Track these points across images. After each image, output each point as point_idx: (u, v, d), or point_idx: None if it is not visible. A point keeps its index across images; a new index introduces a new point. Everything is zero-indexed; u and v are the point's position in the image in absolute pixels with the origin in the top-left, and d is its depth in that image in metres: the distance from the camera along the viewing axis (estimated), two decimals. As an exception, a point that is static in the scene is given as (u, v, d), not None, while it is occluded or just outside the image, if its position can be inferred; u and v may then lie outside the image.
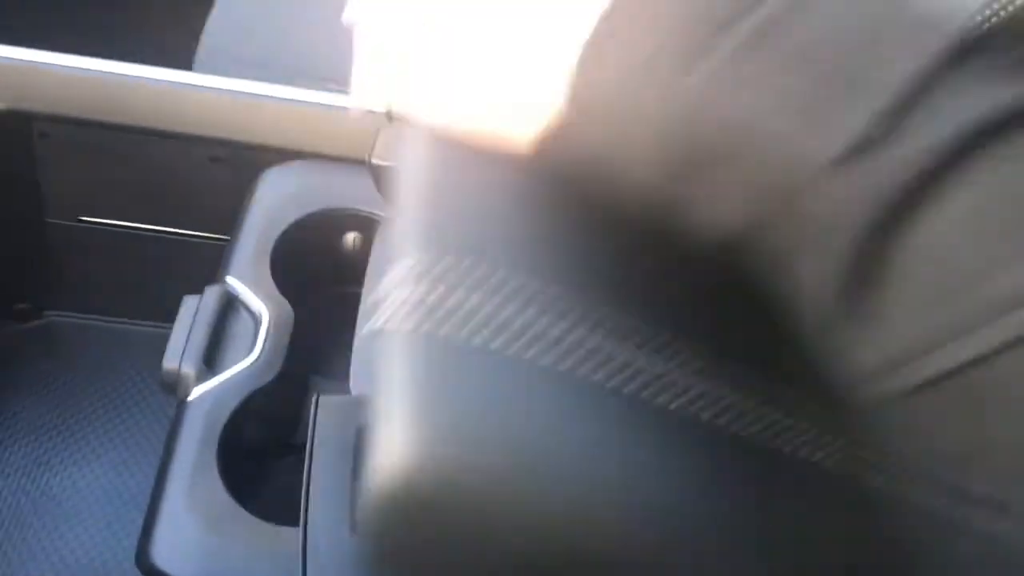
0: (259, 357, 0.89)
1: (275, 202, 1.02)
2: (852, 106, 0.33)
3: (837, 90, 0.34)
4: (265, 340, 0.91)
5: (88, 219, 1.22)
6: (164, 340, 1.37)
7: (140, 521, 1.22)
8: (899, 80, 0.33)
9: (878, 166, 0.33)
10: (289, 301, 0.99)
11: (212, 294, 0.92)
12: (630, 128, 0.38)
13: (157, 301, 1.34)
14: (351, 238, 1.05)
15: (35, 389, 1.30)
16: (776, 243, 0.36)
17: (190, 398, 0.86)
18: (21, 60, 1.09)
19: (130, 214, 1.20)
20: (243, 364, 0.89)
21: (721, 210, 0.37)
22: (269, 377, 0.89)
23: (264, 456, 0.95)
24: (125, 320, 1.33)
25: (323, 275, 1.08)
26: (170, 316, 1.34)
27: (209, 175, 1.12)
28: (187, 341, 0.89)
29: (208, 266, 1.02)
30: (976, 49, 0.34)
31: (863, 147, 0.33)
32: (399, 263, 0.38)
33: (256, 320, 0.92)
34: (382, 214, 1.03)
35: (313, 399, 0.91)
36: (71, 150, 1.14)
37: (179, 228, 1.20)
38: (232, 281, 0.95)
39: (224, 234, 1.19)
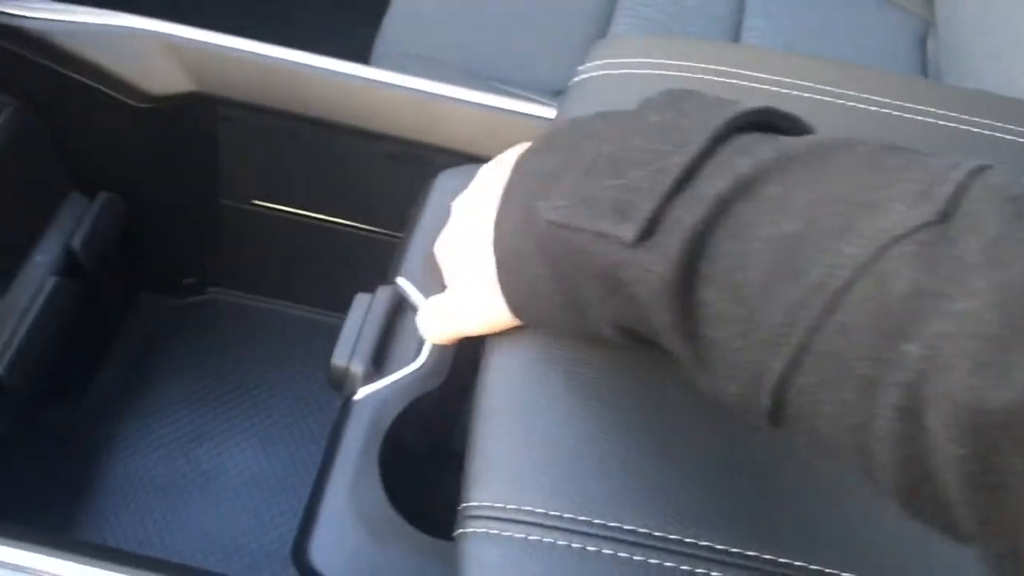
0: (426, 362, 0.88)
1: (447, 206, 1.01)
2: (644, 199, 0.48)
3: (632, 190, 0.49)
4: (433, 346, 0.89)
5: (260, 203, 1.24)
6: (318, 326, 1.39)
7: (283, 508, 1.24)
8: (675, 171, 0.47)
9: (664, 240, 0.46)
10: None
11: (384, 294, 0.92)
12: None
13: (318, 289, 1.36)
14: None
15: (193, 362, 1.34)
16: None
17: (356, 397, 0.86)
18: (209, 43, 1.12)
19: (301, 202, 1.21)
20: (411, 368, 0.87)
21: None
22: (435, 384, 0.87)
23: (423, 463, 0.94)
24: (285, 303, 1.35)
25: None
26: (327, 304, 1.36)
27: (383, 171, 1.12)
28: (357, 340, 0.88)
29: (373, 262, 1.01)
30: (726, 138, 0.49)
31: (651, 229, 0.47)
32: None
33: (425, 325, 0.91)
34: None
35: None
36: (250, 135, 1.16)
37: (348, 220, 1.20)
38: (403, 283, 0.94)
39: (392, 231, 1.19)
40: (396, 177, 1.11)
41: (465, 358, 0.96)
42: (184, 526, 1.19)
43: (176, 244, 1.31)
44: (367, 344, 0.88)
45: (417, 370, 0.88)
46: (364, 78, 1.09)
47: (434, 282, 0.96)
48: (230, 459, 1.23)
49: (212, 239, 1.32)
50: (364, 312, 0.91)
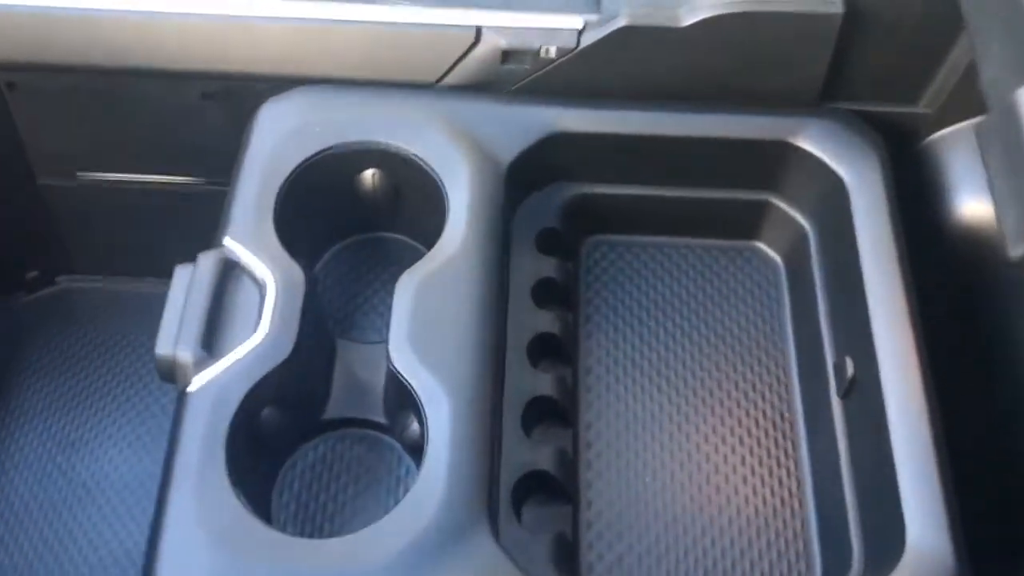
0: (268, 334, 0.76)
1: (275, 143, 0.87)
2: None
3: None
4: (273, 312, 0.77)
5: (85, 175, 1.08)
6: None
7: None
8: None
9: None
10: (301, 259, 0.84)
11: (207, 262, 0.78)
12: None
13: (173, 256, 1.21)
14: (370, 177, 0.90)
15: (55, 362, 1.19)
16: None
17: (190, 389, 0.73)
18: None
19: (128, 165, 1.06)
20: (249, 344, 0.75)
21: None
22: (282, 356, 0.75)
23: (291, 444, 0.83)
24: (141, 280, 1.21)
25: (340, 223, 0.94)
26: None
27: (202, 114, 0.97)
28: (181, 322, 0.75)
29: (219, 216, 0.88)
30: None
31: None
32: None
33: (261, 289, 0.78)
34: (404, 146, 0.87)
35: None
36: (47, 102, 1.00)
37: (182, 176, 1.05)
38: (230, 244, 0.80)
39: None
40: (217, 118, 0.96)
41: (317, 316, 0.84)
42: (71, 544, 1.08)
43: (3, 238, 1.16)
44: (193, 325, 0.75)
45: (258, 345, 0.75)
46: (160, 13, 0.93)
47: (269, 236, 0.83)
48: (109, 464, 1.11)
49: (45, 225, 1.16)
50: (186, 288, 0.77)
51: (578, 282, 0.95)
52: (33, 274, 1.22)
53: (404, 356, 0.75)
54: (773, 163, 0.91)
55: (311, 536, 0.78)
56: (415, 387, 0.74)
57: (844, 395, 0.83)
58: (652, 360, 0.91)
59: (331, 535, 0.79)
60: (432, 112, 0.88)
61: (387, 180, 0.90)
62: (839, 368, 0.83)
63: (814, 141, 0.88)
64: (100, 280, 1.24)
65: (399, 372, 0.75)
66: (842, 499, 0.79)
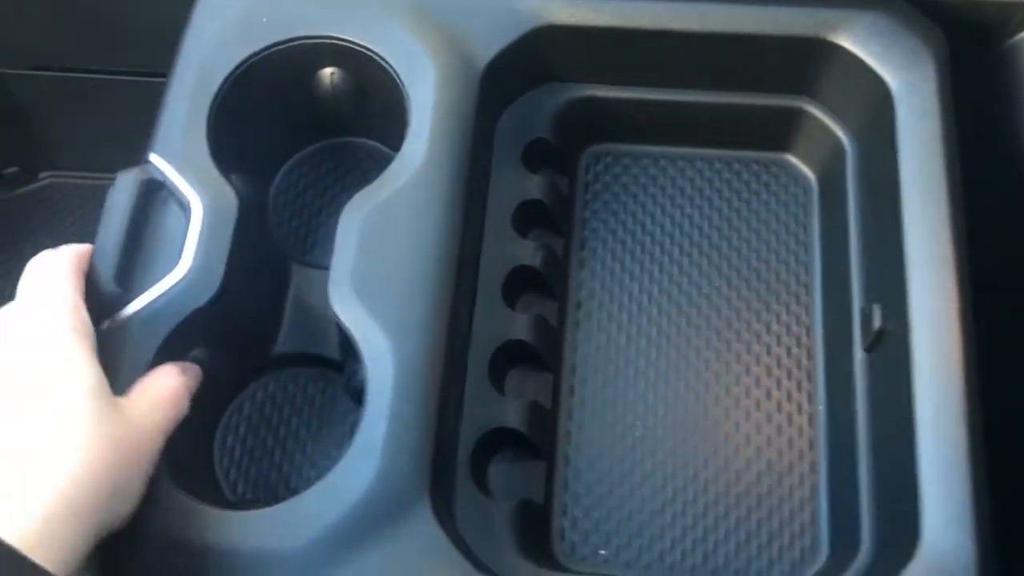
0: (192, 267, 0.66)
1: (213, 37, 0.74)
2: None
3: None
4: (198, 242, 0.67)
5: (44, 70, 0.99)
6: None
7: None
8: None
9: None
10: (248, 174, 0.74)
11: (124, 183, 0.68)
12: None
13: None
14: (329, 76, 0.77)
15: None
16: None
17: (102, 328, 0.65)
18: None
19: (83, 58, 0.96)
20: (168, 281, 0.65)
21: None
22: (208, 293, 0.65)
23: (238, 382, 0.74)
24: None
25: (298, 130, 0.82)
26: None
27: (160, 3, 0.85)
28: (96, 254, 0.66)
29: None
30: None
31: None
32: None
33: (187, 215, 0.68)
34: (362, 41, 0.74)
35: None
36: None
37: (138, 69, 0.95)
38: (156, 160, 0.70)
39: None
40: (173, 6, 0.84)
41: (258, 241, 0.74)
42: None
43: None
44: (108, 256, 0.66)
45: (180, 280, 0.66)
46: None
47: (200, 150, 0.72)
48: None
49: (14, 119, 1.08)
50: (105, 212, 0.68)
51: (574, 200, 0.83)
52: (12, 170, 1.15)
53: (344, 298, 0.65)
54: (809, 64, 0.75)
55: (255, 483, 0.71)
56: (355, 334, 0.64)
57: (869, 349, 0.70)
58: (654, 294, 0.79)
59: (276, 484, 0.72)
60: (398, 1, 0.75)
61: (349, 79, 0.78)
62: (866, 317, 0.69)
63: (858, 39, 0.72)
64: (84, 176, 1.16)
65: (337, 316, 0.65)
66: (856, 471, 0.68)
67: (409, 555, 0.59)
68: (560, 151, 0.81)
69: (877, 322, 0.68)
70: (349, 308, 0.65)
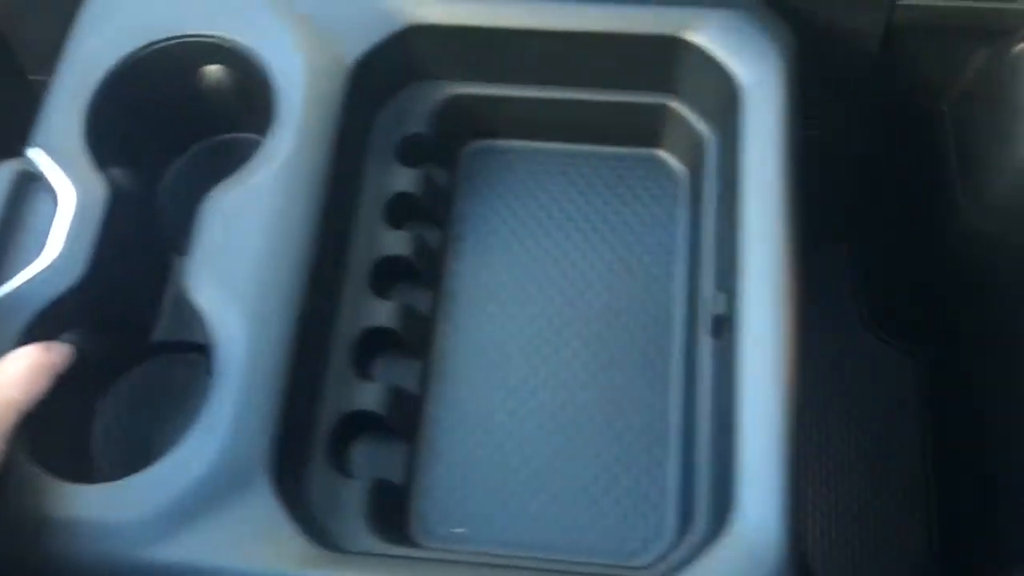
0: (58, 255, 0.69)
1: (98, 33, 0.78)
2: None
3: None
4: (68, 231, 0.70)
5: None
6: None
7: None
8: None
9: None
10: (129, 167, 0.77)
11: (0, 176, 0.71)
12: None
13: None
14: (212, 73, 0.80)
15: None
16: None
17: (-29, 315, 0.68)
18: None
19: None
20: (33, 268, 0.68)
21: None
22: (71, 280, 0.68)
23: (114, 369, 0.77)
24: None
25: (187, 125, 0.85)
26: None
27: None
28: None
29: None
30: None
31: None
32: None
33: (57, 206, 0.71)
34: (236, 38, 0.77)
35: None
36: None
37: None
38: (34, 153, 0.73)
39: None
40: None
41: (130, 232, 0.76)
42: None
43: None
44: (-24, 246, 0.69)
45: (46, 268, 0.69)
46: None
47: (77, 144, 0.75)
48: None
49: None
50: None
51: (454, 194, 0.86)
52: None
53: (199, 280, 0.68)
54: (669, 62, 0.78)
55: (127, 463, 0.74)
56: (208, 316, 0.67)
57: (714, 335, 0.73)
58: (526, 284, 0.82)
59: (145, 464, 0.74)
60: (274, 1, 0.78)
61: (232, 76, 0.81)
62: (709, 303, 0.72)
63: (710, 37, 0.75)
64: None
65: (192, 298, 0.68)
66: (697, 452, 0.71)
67: (246, 530, 0.62)
68: (439, 146, 0.84)
69: (718, 309, 0.71)
70: (204, 290, 0.68)
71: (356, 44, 0.77)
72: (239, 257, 0.69)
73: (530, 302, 0.81)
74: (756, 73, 0.74)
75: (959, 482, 1.05)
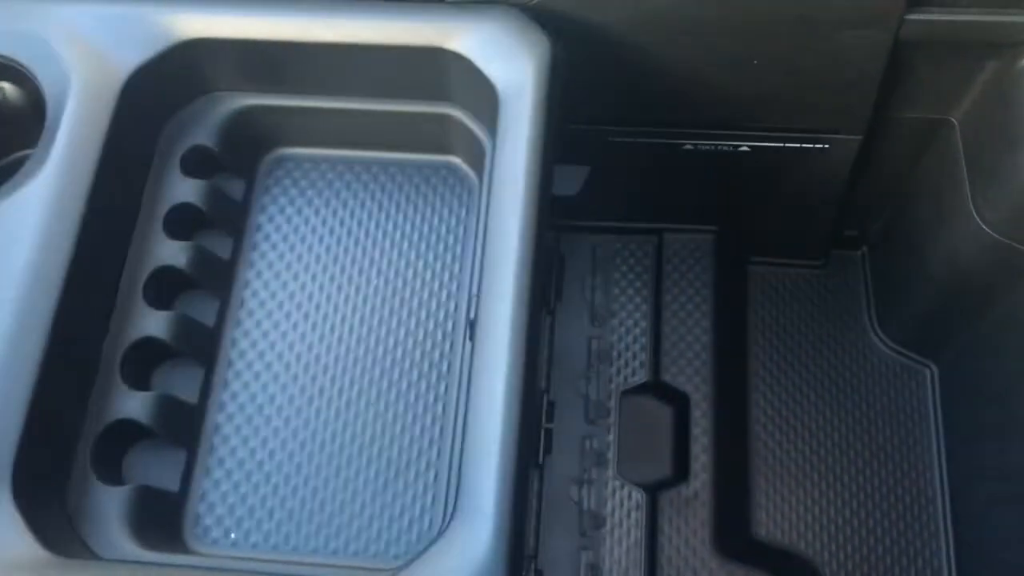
0: None
1: None
2: None
3: None
4: None
5: None
6: None
7: None
8: None
9: None
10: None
11: None
12: None
13: None
14: (2, 92, 0.82)
15: None
16: None
17: None
18: None
19: None
20: None
21: None
22: None
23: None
24: None
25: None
26: None
27: None
28: None
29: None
30: None
31: None
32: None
33: None
34: (17, 59, 0.79)
35: None
36: None
37: None
38: None
39: None
40: None
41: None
42: None
43: None
44: None
45: None
46: None
47: None
48: None
49: None
50: None
51: (250, 205, 0.87)
52: None
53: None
54: (441, 71, 0.80)
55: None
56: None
57: (471, 338, 0.74)
58: (314, 295, 0.83)
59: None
60: (49, 18, 0.79)
61: (21, 94, 0.82)
62: (469, 308, 0.74)
63: (470, 46, 0.76)
64: None
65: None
66: (454, 453, 0.72)
67: (-20, 538, 0.63)
68: (230, 157, 0.85)
69: (472, 313, 0.72)
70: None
71: (128, 60, 0.78)
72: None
73: (319, 312, 0.82)
74: (510, 79, 0.75)
75: (974, 491, 1.06)
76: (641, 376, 1.11)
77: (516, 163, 0.72)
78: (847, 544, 1.09)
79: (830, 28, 0.82)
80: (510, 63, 0.75)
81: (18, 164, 0.87)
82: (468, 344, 0.75)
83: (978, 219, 0.92)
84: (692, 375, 1.11)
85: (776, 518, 1.09)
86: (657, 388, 1.10)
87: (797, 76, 0.87)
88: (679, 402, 1.09)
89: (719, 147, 0.97)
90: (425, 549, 0.62)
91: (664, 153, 0.99)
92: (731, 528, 1.07)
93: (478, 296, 0.71)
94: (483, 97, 0.78)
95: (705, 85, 0.88)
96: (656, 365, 1.12)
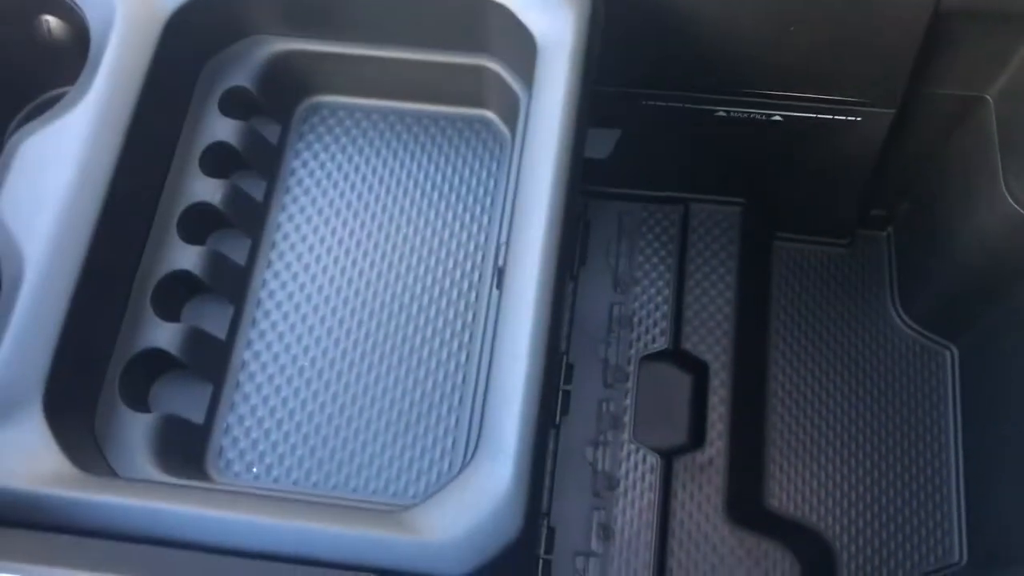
0: None
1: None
2: None
3: None
4: None
5: None
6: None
7: None
8: None
9: None
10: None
11: None
12: None
13: None
14: (44, 24, 0.83)
15: None
16: None
17: None
18: None
19: None
20: None
21: None
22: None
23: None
24: None
25: (27, 77, 0.88)
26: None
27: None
28: None
29: None
30: None
31: None
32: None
33: None
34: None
35: None
36: None
37: None
38: None
39: None
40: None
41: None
42: None
43: None
44: None
45: None
46: None
47: None
48: None
49: None
50: None
51: (284, 148, 0.88)
52: None
53: (-3, 223, 0.71)
54: (481, 22, 0.80)
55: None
56: (2, 253, 0.70)
57: (498, 286, 0.74)
58: (346, 239, 0.84)
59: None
60: (97, -48, 0.80)
61: (66, 28, 0.83)
62: (497, 256, 0.74)
63: (508, -6, 0.77)
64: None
65: (-11, 239, 0.71)
66: (477, 395, 0.73)
67: (11, 449, 0.65)
68: (268, 101, 0.86)
69: (500, 261, 0.73)
70: (2, 234, 0.70)
71: (172, -3, 0.79)
72: (35, 197, 0.71)
73: (349, 257, 0.83)
74: (550, 30, 0.75)
75: (989, 473, 1.06)
76: (661, 343, 1.11)
77: (551, 116, 0.72)
78: (859, 519, 1.09)
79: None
80: (550, 13, 0.76)
81: (57, 100, 0.89)
82: (494, 293, 0.76)
83: (1010, 199, 0.92)
84: (712, 344, 1.12)
85: (789, 490, 1.10)
86: (677, 355, 1.10)
87: (834, 45, 0.87)
88: (698, 370, 1.10)
89: (751, 115, 0.97)
90: (446, 483, 0.63)
91: (696, 120, 0.99)
92: (744, 496, 1.07)
93: (507, 245, 0.72)
94: (521, 48, 0.78)
95: (741, 50, 0.88)
96: (677, 333, 1.12)
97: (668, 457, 1.07)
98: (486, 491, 0.62)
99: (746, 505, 1.07)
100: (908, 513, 1.10)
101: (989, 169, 0.94)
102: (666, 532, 1.05)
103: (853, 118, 0.97)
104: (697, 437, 1.07)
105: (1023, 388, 0.99)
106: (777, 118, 0.98)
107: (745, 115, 0.97)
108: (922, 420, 1.14)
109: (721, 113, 0.97)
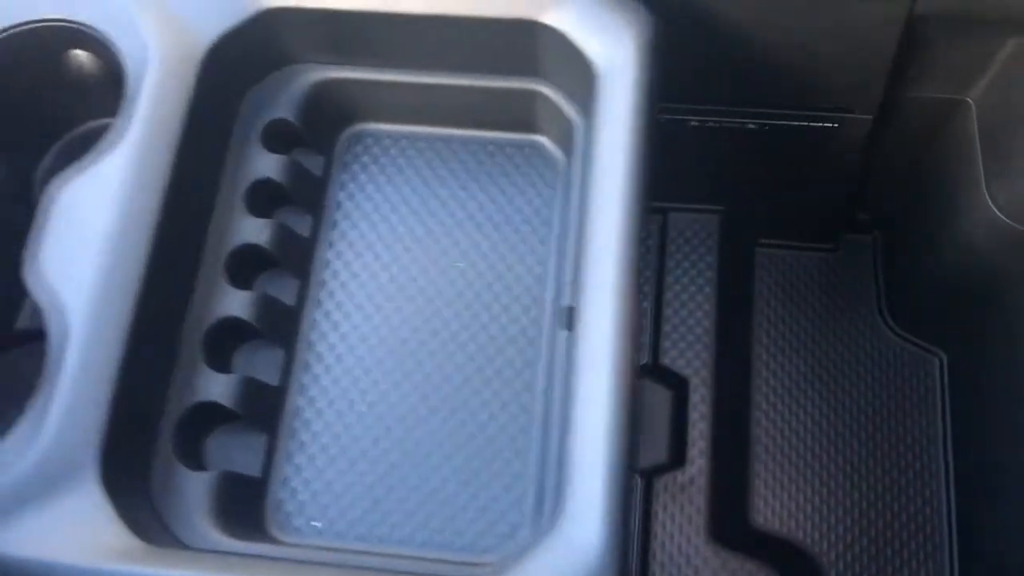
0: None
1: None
2: None
3: None
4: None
5: None
6: None
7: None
8: None
9: None
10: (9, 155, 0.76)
11: None
12: None
13: None
14: (75, 58, 0.79)
15: None
16: None
17: None
18: None
19: None
20: None
21: None
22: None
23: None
24: None
25: (59, 112, 0.84)
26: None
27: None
28: None
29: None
30: None
31: None
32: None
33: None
34: (96, 26, 0.76)
35: None
36: None
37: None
38: None
39: None
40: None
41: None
42: None
43: None
44: None
45: None
46: None
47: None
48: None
49: None
50: None
51: (328, 181, 0.84)
52: None
53: (36, 271, 0.67)
54: (532, 46, 0.76)
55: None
56: (46, 312, 0.66)
57: (567, 327, 0.71)
58: (397, 276, 0.80)
59: None
60: (128, -16, 0.76)
61: (98, 63, 0.80)
62: (560, 294, 0.71)
63: (566, 20, 0.73)
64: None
65: (33, 294, 0.67)
66: (550, 449, 0.70)
67: (69, 523, 0.61)
68: (310, 132, 0.82)
69: (566, 300, 0.69)
70: (41, 281, 0.67)
71: (209, 30, 0.75)
72: (77, 247, 0.68)
73: (402, 293, 0.80)
74: (610, 56, 0.72)
75: (980, 483, 1.03)
76: (640, 359, 1.08)
77: (616, 145, 0.68)
78: (847, 535, 1.06)
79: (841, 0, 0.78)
80: (608, 40, 0.72)
81: (92, 133, 0.86)
82: (559, 332, 0.73)
83: (992, 205, 0.89)
84: (692, 359, 1.09)
85: (774, 506, 1.07)
86: (656, 371, 1.07)
87: (805, 52, 0.84)
88: (678, 386, 1.06)
89: (724, 124, 0.93)
90: (531, 545, 0.60)
91: (670, 130, 0.95)
92: (727, 516, 1.04)
93: (574, 284, 0.68)
94: (577, 74, 0.75)
95: (711, 60, 0.85)
96: (656, 348, 1.09)
97: (649, 477, 1.04)
98: (577, 555, 0.59)
99: (729, 525, 1.04)
100: (898, 527, 1.07)
101: (971, 174, 0.91)
102: (647, 554, 1.02)
103: (831, 124, 0.94)
104: (678, 455, 1.04)
105: (1014, 394, 0.96)
106: (751, 126, 0.94)
107: (718, 124, 0.93)
108: (911, 430, 1.11)
109: (695, 123, 0.93)
